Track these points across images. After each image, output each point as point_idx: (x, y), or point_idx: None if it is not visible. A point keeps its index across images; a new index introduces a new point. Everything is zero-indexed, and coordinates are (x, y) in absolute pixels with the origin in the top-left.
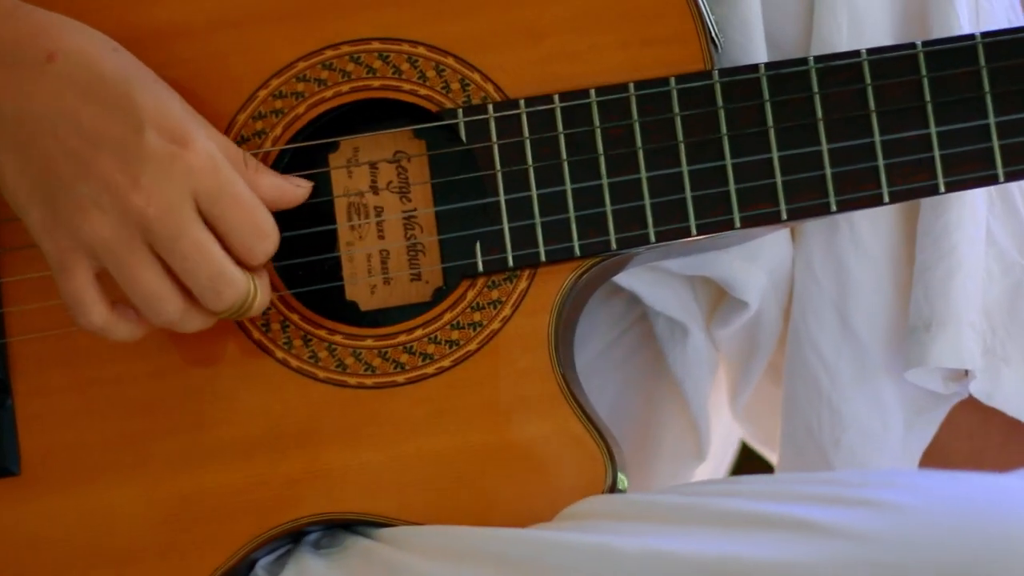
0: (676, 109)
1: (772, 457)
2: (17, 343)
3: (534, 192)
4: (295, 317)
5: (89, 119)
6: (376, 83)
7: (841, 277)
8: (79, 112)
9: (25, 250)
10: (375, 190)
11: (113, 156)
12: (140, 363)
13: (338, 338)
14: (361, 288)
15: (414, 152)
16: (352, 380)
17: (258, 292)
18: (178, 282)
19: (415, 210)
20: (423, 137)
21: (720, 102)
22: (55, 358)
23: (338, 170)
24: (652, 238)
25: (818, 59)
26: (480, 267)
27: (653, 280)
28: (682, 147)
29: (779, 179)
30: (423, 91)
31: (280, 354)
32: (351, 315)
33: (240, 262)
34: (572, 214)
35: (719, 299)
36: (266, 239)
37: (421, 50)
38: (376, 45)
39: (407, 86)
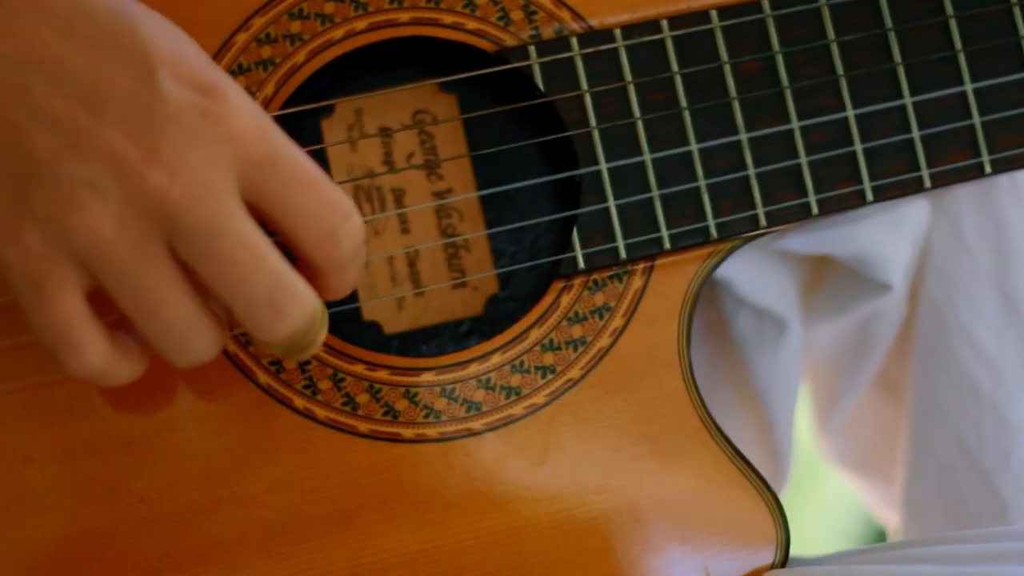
0: (830, 33)
1: (865, 484)
2: None
3: (647, 156)
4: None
5: (79, 67)
6: (404, 16)
7: (1003, 244)
8: (62, 57)
9: None
10: (391, 166)
11: (117, 118)
12: (110, 423)
13: (382, 374)
14: (383, 304)
15: (442, 110)
16: (408, 432)
17: (326, 314)
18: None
19: (450, 191)
20: (453, 90)
21: (889, 21)
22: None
23: (336, 143)
24: (815, 208)
25: None
26: (581, 263)
27: (746, 261)
28: (843, 82)
29: (977, 120)
30: (471, 24)
31: (300, 402)
32: (371, 341)
33: (309, 264)
34: (702, 182)
35: (819, 283)
36: (350, 218)
37: None
38: None
39: (448, 18)
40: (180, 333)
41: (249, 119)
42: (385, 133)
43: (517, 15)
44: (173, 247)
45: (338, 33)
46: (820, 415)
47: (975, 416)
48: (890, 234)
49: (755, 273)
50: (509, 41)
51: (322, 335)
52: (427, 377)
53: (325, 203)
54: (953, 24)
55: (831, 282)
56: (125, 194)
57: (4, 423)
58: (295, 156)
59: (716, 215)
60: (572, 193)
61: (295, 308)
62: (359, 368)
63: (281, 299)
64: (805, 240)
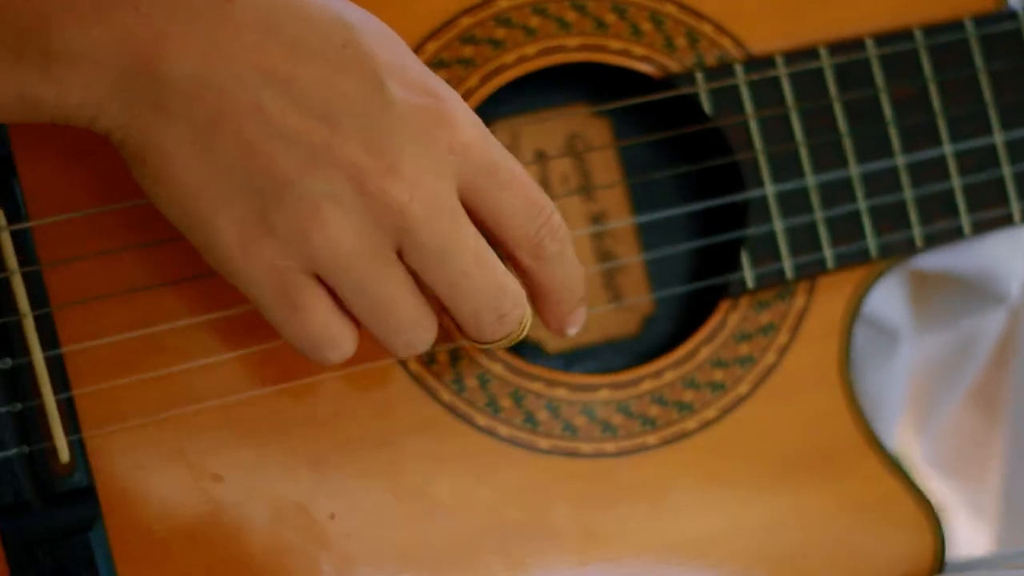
0: (979, 62)
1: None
2: (98, 434)
3: (810, 180)
4: (497, 368)
5: (311, 82)
6: (573, 41)
7: None
8: (293, 73)
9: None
10: (547, 190)
11: (356, 131)
12: (298, 442)
13: (561, 392)
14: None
15: (596, 134)
16: (587, 447)
17: (528, 312)
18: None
19: (605, 213)
20: (607, 115)
21: None
22: (151, 448)
23: None
24: (967, 229)
25: None
26: (750, 283)
27: None
28: (992, 110)
29: None
30: (639, 50)
31: (483, 420)
32: (534, 360)
33: (518, 263)
34: (862, 205)
35: (933, 295)
36: (554, 215)
37: None
38: None
39: (615, 44)
40: (409, 330)
41: (472, 127)
42: (541, 156)
43: (681, 42)
44: (402, 253)
45: (510, 58)
46: (916, 419)
47: None
48: (1010, 249)
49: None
50: (675, 67)
51: (527, 329)
52: (603, 394)
53: (533, 204)
54: None
55: (945, 294)
56: (366, 206)
57: (195, 440)
58: (508, 160)
59: (876, 235)
60: (720, 217)
61: (515, 310)
62: (538, 386)
63: (503, 304)
64: (930, 256)
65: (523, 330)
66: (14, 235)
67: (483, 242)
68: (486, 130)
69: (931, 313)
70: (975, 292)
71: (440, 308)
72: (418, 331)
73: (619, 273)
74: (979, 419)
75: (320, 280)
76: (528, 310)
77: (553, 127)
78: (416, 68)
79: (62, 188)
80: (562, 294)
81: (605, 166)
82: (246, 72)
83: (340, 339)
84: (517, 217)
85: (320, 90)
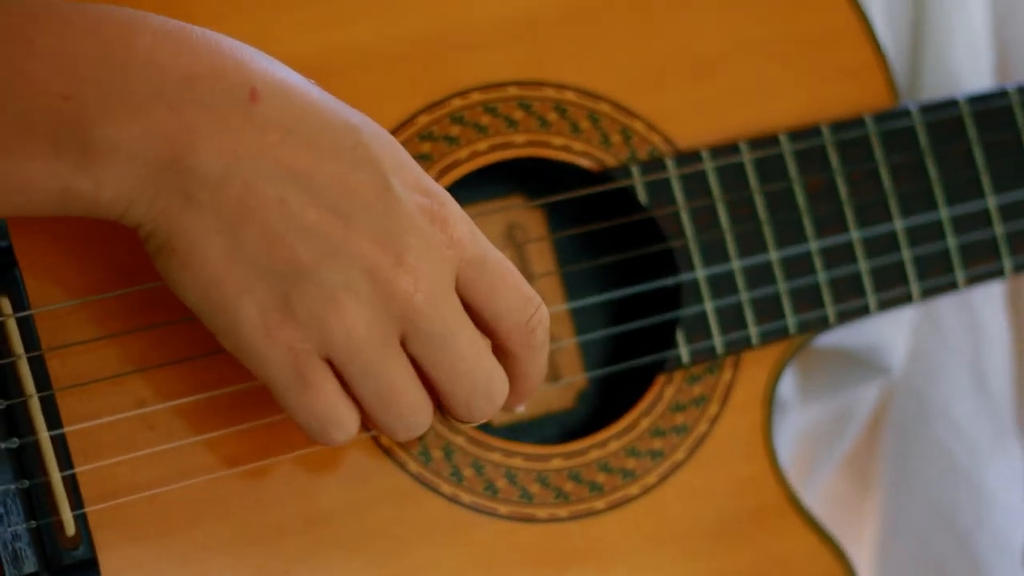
0: (879, 155)
1: None
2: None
3: (736, 263)
4: (460, 439)
5: (328, 180)
6: (520, 138)
7: (976, 333)
8: (311, 171)
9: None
10: None
11: (367, 226)
12: (276, 512)
13: (518, 461)
14: None
15: (532, 224)
16: (542, 512)
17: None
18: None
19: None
20: (541, 205)
21: (924, 144)
22: (145, 521)
23: None
24: (872, 307)
25: (1021, 90)
26: (685, 359)
27: None
28: (891, 199)
29: (999, 230)
30: (578, 146)
31: (448, 488)
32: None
33: (506, 351)
34: (782, 286)
35: (817, 366)
36: (540, 308)
37: (569, 95)
38: (514, 91)
39: (558, 140)
40: (410, 415)
41: (464, 224)
42: None
43: (616, 138)
44: (405, 342)
45: (463, 153)
46: (796, 485)
47: (952, 486)
48: (893, 323)
49: None
50: (611, 162)
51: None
52: (556, 462)
53: (522, 296)
54: (977, 149)
55: (831, 366)
56: (377, 297)
57: (183, 514)
58: (497, 255)
59: (795, 314)
60: (646, 297)
61: (502, 394)
62: (497, 456)
63: (493, 388)
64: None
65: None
66: (18, 321)
67: (477, 330)
68: (475, 227)
69: (816, 384)
70: (860, 364)
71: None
72: (419, 416)
73: (556, 353)
74: (853, 486)
75: (330, 365)
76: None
77: (493, 218)
78: (414, 169)
79: (60, 276)
80: (537, 379)
81: (540, 254)
82: (270, 168)
83: (346, 420)
84: (512, 308)
85: (336, 187)
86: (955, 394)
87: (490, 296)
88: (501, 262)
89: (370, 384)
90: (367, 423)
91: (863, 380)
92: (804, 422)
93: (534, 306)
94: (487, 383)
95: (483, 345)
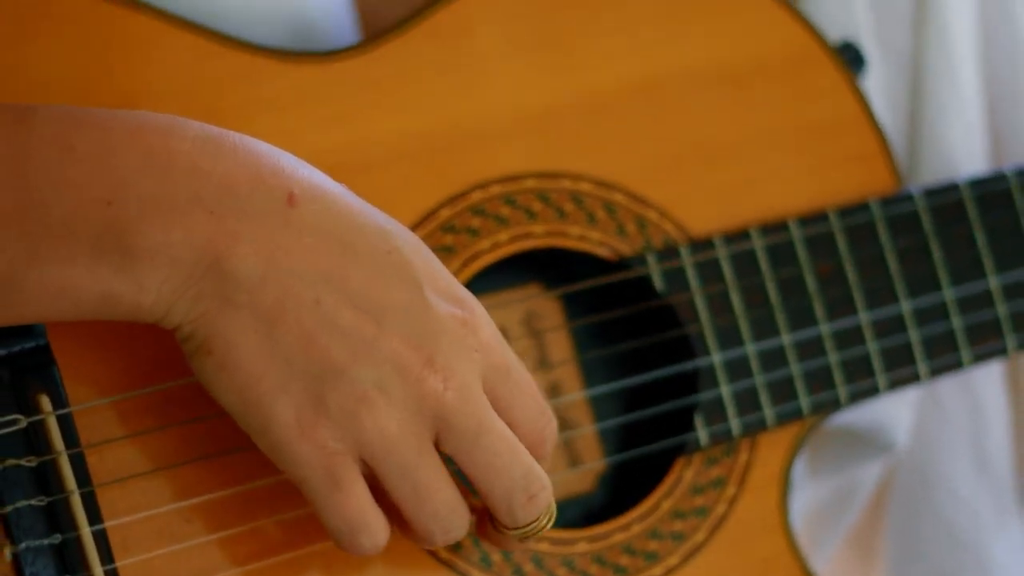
0: (885, 239)
1: None
2: None
3: (750, 347)
4: (487, 526)
5: (362, 283)
6: (539, 228)
7: (976, 411)
8: (346, 274)
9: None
10: None
11: (400, 328)
12: None
13: (544, 546)
14: None
15: (549, 312)
16: None
17: (552, 500)
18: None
19: (559, 385)
20: (558, 293)
21: (928, 227)
22: None
23: None
24: (882, 387)
25: (1019, 173)
26: (704, 441)
27: None
28: (898, 281)
29: (1001, 308)
30: (595, 235)
31: (477, 574)
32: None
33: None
34: (795, 369)
35: (823, 444)
36: (552, 422)
37: (585, 185)
38: (532, 183)
39: (575, 230)
40: (446, 516)
41: (491, 330)
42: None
43: (631, 227)
44: (439, 441)
45: (485, 244)
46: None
47: (955, 559)
48: (896, 401)
49: None
50: (626, 250)
51: (554, 515)
52: (581, 546)
53: (539, 407)
54: (979, 231)
55: (837, 444)
56: (408, 396)
57: None
58: (520, 366)
59: (808, 395)
60: (664, 381)
61: (543, 491)
62: None
63: (532, 484)
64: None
65: (551, 516)
66: (58, 419)
67: (507, 428)
68: (500, 335)
69: (822, 462)
70: (865, 442)
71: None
72: (454, 518)
73: (575, 439)
74: (858, 561)
75: (362, 469)
76: (551, 501)
77: (512, 308)
78: (444, 275)
79: (97, 373)
80: None
81: (558, 342)
82: (306, 270)
83: (375, 528)
84: (529, 418)
85: (370, 289)
86: (957, 470)
87: (510, 403)
88: (523, 372)
89: (406, 484)
90: (405, 531)
91: (868, 458)
92: (810, 498)
93: (547, 419)
94: (524, 479)
95: (516, 441)
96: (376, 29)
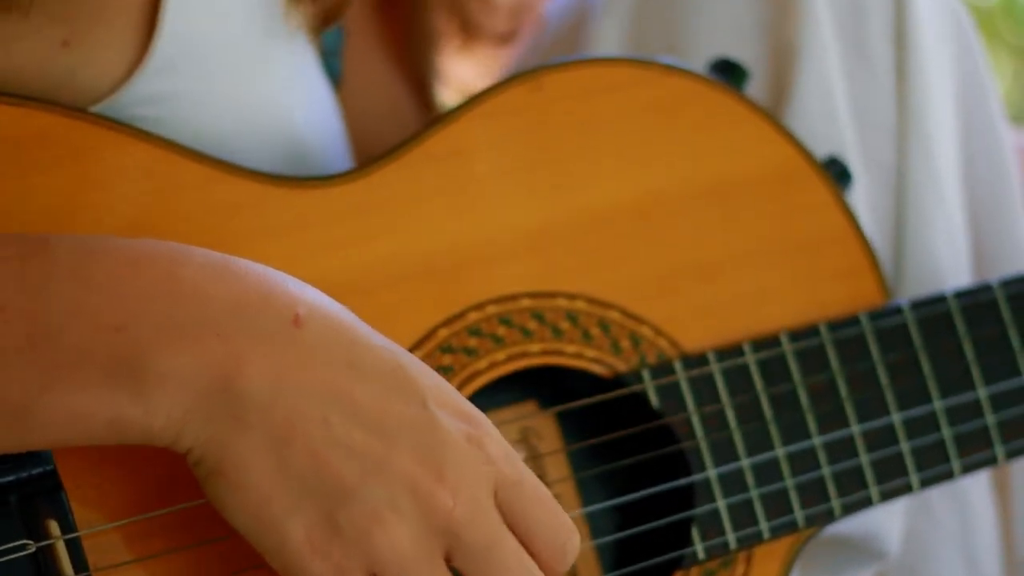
0: (875, 352)
1: None
2: None
3: (744, 462)
4: None
5: (369, 401)
6: (535, 347)
7: (965, 512)
8: (353, 392)
9: None
10: None
11: (407, 445)
12: None
13: None
14: None
15: (547, 430)
16: None
17: None
18: None
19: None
20: (555, 411)
21: (917, 340)
22: None
23: None
24: (875, 499)
25: (1005, 284)
26: (701, 555)
27: None
28: (888, 394)
29: (990, 419)
30: (590, 353)
31: None
32: None
33: (545, 570)
34: (789, 482)
35: (816, 552)
36: (573, 536)
37: (580, 304)
38: (527, 302)
39: (570, 348)
40: None
41: (500, 445)
42: None
43: (625, 344)
44: (449, 556)
45: (483, 364)
46: None
47: None
48: (888, 510)
49: None
50: (621, 367)
51: None
52: None
53: (558, 520)
54: (967, 342)
55: (830, 554)
56: (419, 512)
57: None
58: (533, 478)
59: (802, 508)
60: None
61: None
62: None
63: None
64: None
65: None
66: (66, 543)
67: (519, 543)
68: (510, 448)
69: (816, 570)
70: (858, 551)
71: None
72: None
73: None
74: None
75: None
76: None
77: (509, 426)
78: (449, 391)
79: (105, 496)
80: None
81: (556, 461)
82: (314, 389)
83: None
84: (543, 529)
85: (376, 408)
86: (944, 570)
87: (524, 516)
88: (537, 485)
89: None
90: None
91: (861, 565)
92: None
93: (567, 532)
94: None
95: (526, 556)
96: (368, 153)
